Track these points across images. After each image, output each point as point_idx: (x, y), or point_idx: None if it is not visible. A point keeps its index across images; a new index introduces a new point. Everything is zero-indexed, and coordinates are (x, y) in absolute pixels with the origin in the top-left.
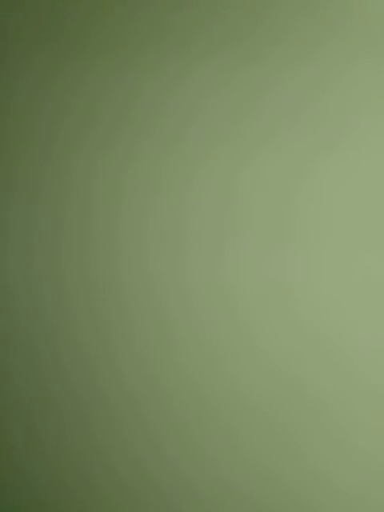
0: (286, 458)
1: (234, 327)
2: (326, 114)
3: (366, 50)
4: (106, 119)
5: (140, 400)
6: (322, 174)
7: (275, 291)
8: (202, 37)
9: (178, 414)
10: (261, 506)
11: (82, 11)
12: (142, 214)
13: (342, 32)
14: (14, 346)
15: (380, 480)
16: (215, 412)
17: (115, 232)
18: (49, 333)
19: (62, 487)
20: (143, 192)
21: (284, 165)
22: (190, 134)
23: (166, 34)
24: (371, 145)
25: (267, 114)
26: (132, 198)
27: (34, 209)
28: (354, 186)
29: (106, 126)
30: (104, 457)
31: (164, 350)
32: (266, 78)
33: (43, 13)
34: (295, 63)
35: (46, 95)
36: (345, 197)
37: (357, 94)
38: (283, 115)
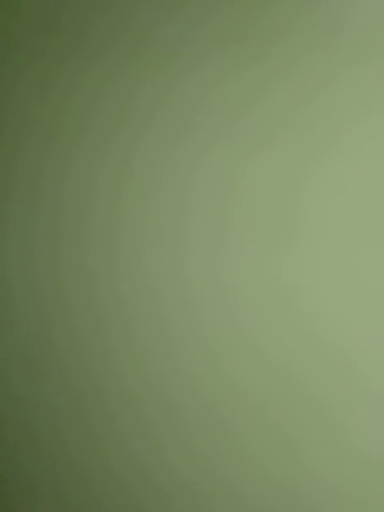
0: (286, 458)
1: (235, 326)
2: (326, 114)
3: (366, 50)
4: (106, 119)
5: (140, 399)
6: (323, 174)
7: (276, 291)
8: (202, 37)
9: (177, 413)
10: (260, 505)
11: (84, 10)
12: (142, 214)
13: (342, 32)
14: (14, 346)
15: (379, 479)
16: (215, 411)
17: (115, 231)
18: (49, 333)
19: (62, 487)
20: (143, 192)
21: (285, 164)
22: (190, 134)
23: (165, 34)
24: (372, 144)
25: (267, 114)
26: (132, 198)
27: (33, 209)
28: (355, 186)
29: (106, 125)
30: (103, 457)
31: (164, 350)
32: (266, 77)
33: (43, 14)
34: (295, 63)
35: (46, 95)
36: (346, 197)
37: (357, 94)
38: (283, 115)
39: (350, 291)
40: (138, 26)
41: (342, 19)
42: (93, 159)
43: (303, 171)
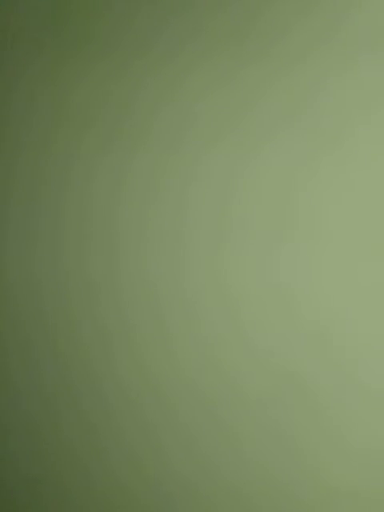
0: (286, 458)
1: (235, 327)
2: (325, 114)
3: (366, 50)
4: (105, 120)
5: (140, 399)
6: (321, 175)
7: (275, 291)
8: (202, 37)
9: (177, 413)
10: (260, 505)
11: (84, 11)
12: (142, 215)
13: (342, 32)
14: (15, 346)
15: (378, 478)
16: (215, 411)
17: (115, 233)
18: (49, 333)
19: (61, 487)
20: (143, 193)
21: (284, 165)
22: (189, 135)
23: (165, 35)
24: (372, 144)
25: (267, 114)
26: (131, 198)
27: (33, 210)
28: (354, 186)
29: (106, 126)
30: (103, 456)
31: (164, 351)
32: (266, 77)
33: (43, 14)
34: (295, 63)
35: (46, 96)
36: (345, 197)
37: (357, 94)
38: (283, 115)
39: (349, 291)
40: (138, 26)
41: (343, 19)
42: (93, 160)
43: (303, 171)
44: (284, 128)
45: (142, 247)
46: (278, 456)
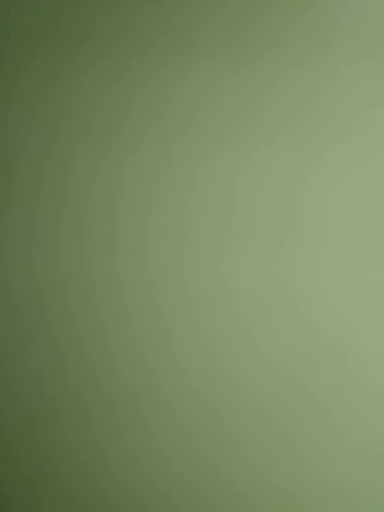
0: (287, 460)
1: (234, 329)
2: (326, 114)
3: (366, 50)
4: (106, 119)
5: (140, 401)
6: (321, 175)
7: (275, 292)
8: (202, 37)
9: (178, 414)
10: (260, 507)
11: (83, 10)
12: (142, 215)
13: (341, 33)
14: (15, 346)
15: (379, 481)
16: (215, 413)
17: (115, 233)
18: (49, 333)
19: (61, 486)
20: (143, 193)
21: (284, 165)
22: (189, 135)
23: (165, 34)
24: (371, 145)
25: (267, 114)
26: (132, 198)
27: (33, 209)
28: (353, 187)
29: (106, 125)
30: (103, 457)
31: (164, 352)
32: (267, 78)
33: (43, 13)
34: (295, 63)
35: (46, 95)
36: (345, 198)
37: (356, 95)
38: (283, 116)
39: (350, 292)
40: (138, 26)
41: (343, 18)
42: (93, 159)
43: (303, 171)
44: (284, 128)
45: (142, 247)
46: (278, 458)
